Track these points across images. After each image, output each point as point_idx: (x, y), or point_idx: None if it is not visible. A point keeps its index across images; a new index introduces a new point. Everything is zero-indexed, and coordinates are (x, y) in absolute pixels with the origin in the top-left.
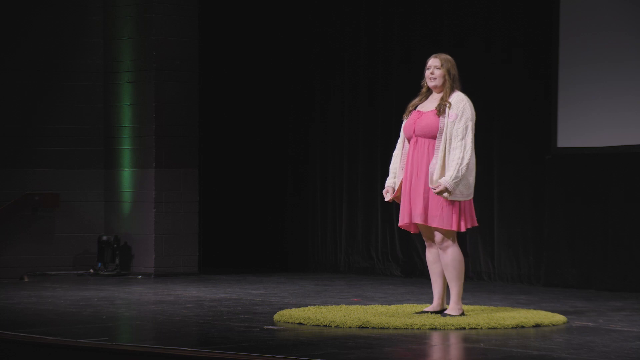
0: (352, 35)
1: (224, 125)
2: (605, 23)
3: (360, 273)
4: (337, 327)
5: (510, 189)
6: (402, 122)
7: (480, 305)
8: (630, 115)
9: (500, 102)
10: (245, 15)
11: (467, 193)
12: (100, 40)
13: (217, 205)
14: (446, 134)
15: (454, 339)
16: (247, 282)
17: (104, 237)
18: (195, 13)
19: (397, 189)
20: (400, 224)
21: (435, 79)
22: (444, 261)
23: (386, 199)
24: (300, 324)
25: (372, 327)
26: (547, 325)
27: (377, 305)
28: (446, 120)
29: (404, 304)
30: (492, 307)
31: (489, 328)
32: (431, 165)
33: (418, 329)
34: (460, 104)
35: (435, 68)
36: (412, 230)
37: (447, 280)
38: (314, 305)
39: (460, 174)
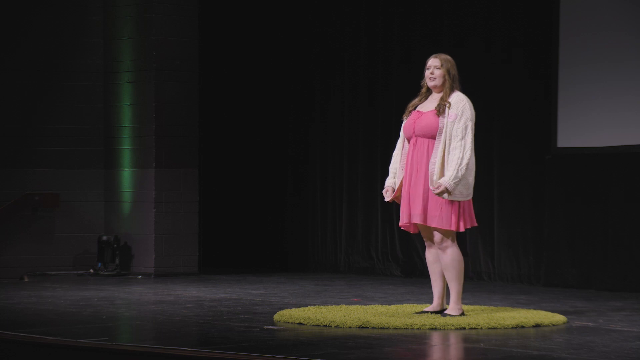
0: (352, 35)
1: (224, 125)
2: (605, 23)
3: (360, 273)
4: (337, 327)
5: (510, 189)
6: (402, 122)
7: (480, 305)
8: (630, 115)
9: (500, 102)
10: (245, 15)
11: (466, 193)
12: (100, 40)
13: (217, 205)
14: (446, 134)
15: (454, 339)
16: (247, 282)
17: (104, 237)
18: (195, 13)
19: (397, 189)
20: (400, 224)
21: (435, 79)
22: (443, 261)
23: (386, 199)
24: (300, 324)
25: (372, 327)
26: (547, 325)
27: (377, 305)
28: (446, 120)
29: (404, 304)
30: (492, 307)
31: (489, 328)
32: (430, 165)
33: (418, 329)
34: (460, 104)
35: (435, 68)
36: (411, 231)
37: (447, 280)
38: (314, 305)
39: (459, 174)
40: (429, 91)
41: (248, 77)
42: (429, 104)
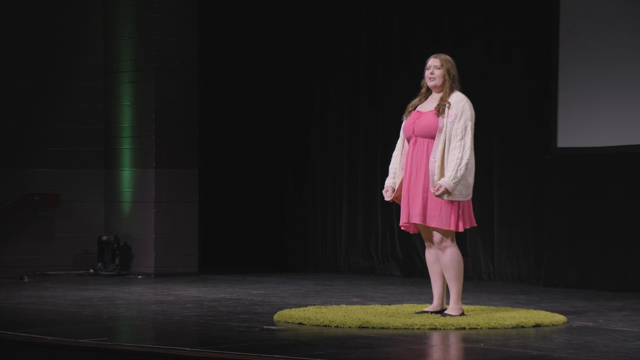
0: (352, 35)
1: (224, 125)
2: (605, 23)
3: (360, 273)
4: (337, 327)
5: (510, 189)
6: (401, 122)
7: (480, 305)
8: (630, 115)
9: (500, 102)
10: (245, 15)
11: (466, 193)
12: (100, 40)
13: (217, 205)
14: (445, 133)
15: (454, 339)
16: (247, 282)
17: (104, 237)
18: (195, 13)
19: (397, 189)
20: (400, 224)
21: (435, 79)
22: (442, 261)
23: (386, 199)
24: (300, 324)
25: (372, 327)
26: (547, 325)
27: (377, 305)
28: (445, 120)
29: (404, 304)
30: (492, 307)
31: (489, 328)
32: (431, 164)
33: (418, 329)
34: (460, 104)
35: (435, 68)
36: (411, 231)
37: (447, 280)
38: (314, 305)
39: (459, 174)
40: (428, 91)
41: (248, 77)
42: (429, 104)
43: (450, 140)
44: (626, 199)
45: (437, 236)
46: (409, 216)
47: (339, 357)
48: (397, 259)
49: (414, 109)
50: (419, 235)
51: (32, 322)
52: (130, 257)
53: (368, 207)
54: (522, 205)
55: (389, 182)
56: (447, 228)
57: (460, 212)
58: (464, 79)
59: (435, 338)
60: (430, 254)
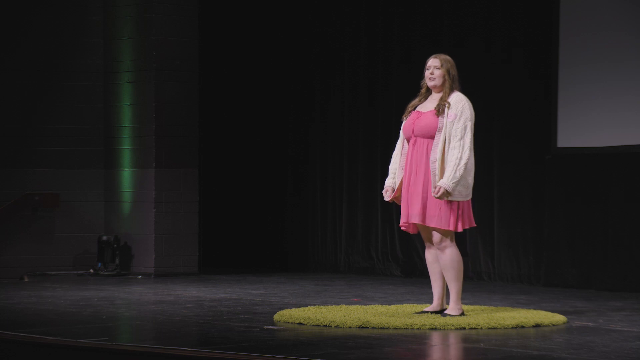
0: (352, 35)
1: (224, 125)
2: (605, 23)
3: (360, 273)
4: (337, 327)
5: (510, 189)
6: (401, 122)
7: (480, 305)
8: (630, 115)
9: (500, 102)
10: (245, 15)
11: (465, 193)
12: (100, 40)
13: (217, 205)
14: (445, 133)
15: (454, 339)
16: (247, 282)
17: (104, 237)
18: (195, 13)
19: (397, 189)
20: (400, 224)
21: (435, 79)
22: (442, 262)
23: (386, 199)
24: (300, 324)
25: (372, 327)
26: (547, 325)
27: (377, 305)
28: (445, 120)
29: (404, 304)
30: (492, 307)
31: (489, 328)
32: (431, 164)
33: (418, 329)
34: (460, 104)
35: (434, 68)
36: (411, 231)
37: (446, 280)
38: (314, 305)
39: (458, 175)
40: (428, 91)
41: (248, 77)
42: (429, 104)
43: (449, 140)
44: (626, 199)
45: (436, 236)
46: (408, 216)
47: (339, 357)
48: (397, 259)
49: (414, 109)
50: (418, 235)
51: (32, 322)
52: (130, 257)
53: (368, 207)
54: (522, 205)
55: (389, 183)
56: (446, 228)
57: (460, 212)
58: (464, 79)
59: (435, 338)
60: (430, 254)
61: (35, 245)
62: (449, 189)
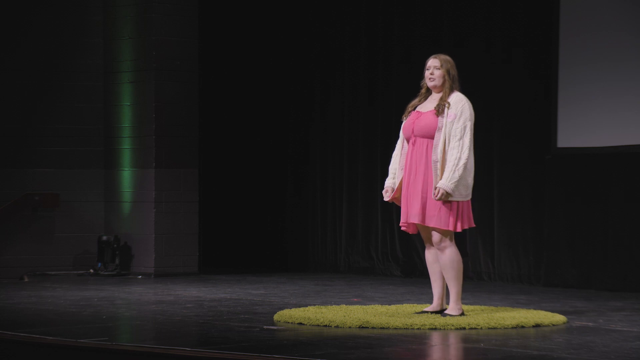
0: (352, 35)
1: (224, 125)
2: (605, 23)
3: (360, 273)
4: (337, 327)
5: (510, 189)
6: (401, 122)
7: (480, 305)
8: (630, 115)
9: (500, 102)
10: (245, 15)
11: (465, 194)
12: (100, 40)
13: (217, 205)
14: (445, 133)
15: (454, 339)
16: (247, 282)
17: (104, 237)
18: (195, 13)
19: (396, 190)
20: (400, 223)
21: (435, 79)
22: (442, 262)
23: (385, 199)
24: (300, 324)
25: (372, 327)
26: (547, 325)
27: (377, 305)
28: (445, 120)
29: (404, 304)
30: (492, 307)
31: (489, 328)
32: (433, 164)
33: (418, 329)
34: (459, 104)
35: (434, 68)
36: (411, 231)
37: (446, 280)
38: (314, 305)
39: (457, 175)
40: (428, 91)
41: (248, 77)
42: (429, 104)
43: (449, 140)
44: (626, 199)
45: (436, 236)
46: (408, 216)
47: (339, 357)
48: (397, 259)
49: (414, 109)
50: (418, 235)
51: (32, 322)
52: (130, 257)
53: (368, 207)
54: (522, 205)
55: (389, 183)
56: (445, 228)
57: (459, 212)
58: (464, 79)
59: (435, 338)
60: (430, 254)
61: (35, 245)
62: (449, 190)
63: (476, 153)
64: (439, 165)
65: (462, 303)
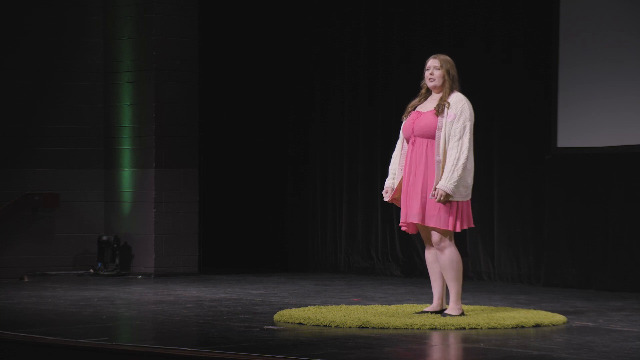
0: (352, 35)
1: (224, 125)
2: (605, 23)
3: (360, 273)
4: (337, 327)
5: (510, 189)
6: (401, 122)
7: (480, 305)
8: (630, 115)
9: (500, 102)
10: (245, 15)
11: (465, 194)
12: (100, 40)
13: (217, 205)
14: (444, 133)
15: (454, 339)
16: (247, 282)
17: (104, 237)
18: (195, 13)
19: (396, 190)
20: (400, 223)
21: (435, 79)
22: (441, 262)
23: (385, 199)
24: (300, 324)
25: (372, 327)
26: (547, 325)
27: (377, 305)
28: (445, 120)
29: (404, 304)
30: (492, 307)
31: (489, 328)
32: (436, 164)
33: (418, 329)
34: (459, 104)
35: (434, 69)
36: (410, 231)
37: (446, 280)
38: (314, 305)
39: (456, 175)
40: (428, 92)
41: (248, 77)
42: (429, 105)
43: (449, 140)
44: (626, 199)
45: (435, 236)
46: (408, 216)
47: (339, 357)
48: (397, 259)
49: (414, 109)
50: (418, 235)
51: (32, 322)
52: (130, 257)
53: (368, 207)
54: (522, 205)
55: (389, 183)
56: (445, 228)
57: (459, 212)
58: (464, 79)
59: (435, 338)
60: (429, 254)
61: (35, 245)
62: (449, 191)
63: (476, 153)
64: (441, 165)
65: (462, 303)
